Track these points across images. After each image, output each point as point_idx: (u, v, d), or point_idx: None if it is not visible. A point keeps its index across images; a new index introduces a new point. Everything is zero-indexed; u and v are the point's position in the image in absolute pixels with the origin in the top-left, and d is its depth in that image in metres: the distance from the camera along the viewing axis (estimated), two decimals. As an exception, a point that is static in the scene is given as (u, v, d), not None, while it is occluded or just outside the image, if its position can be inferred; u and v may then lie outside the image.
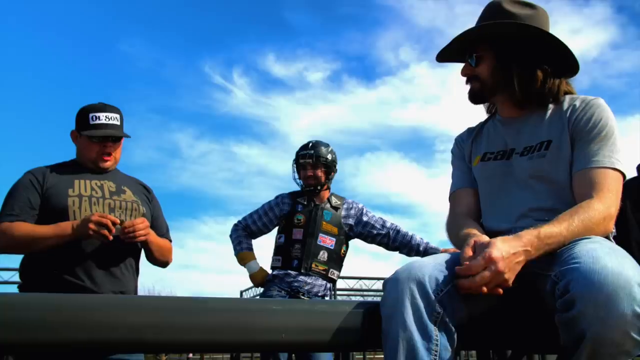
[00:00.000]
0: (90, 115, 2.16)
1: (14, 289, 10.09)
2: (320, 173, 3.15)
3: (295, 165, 3.25)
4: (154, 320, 1.05)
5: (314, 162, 3.14)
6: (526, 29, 1.45)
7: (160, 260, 2.30)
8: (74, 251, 1.97)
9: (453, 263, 1.24)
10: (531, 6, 1.51)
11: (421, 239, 3.19)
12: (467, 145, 1.68)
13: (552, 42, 1.45)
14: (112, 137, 2.18)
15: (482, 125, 1.68)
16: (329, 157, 3.20)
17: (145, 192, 2.36)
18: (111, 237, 1.93)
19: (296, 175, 3.25)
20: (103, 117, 2.17)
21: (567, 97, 1.49)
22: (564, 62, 1.49)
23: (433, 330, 1.13)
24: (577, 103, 1.46)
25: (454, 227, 1.54)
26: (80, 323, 1.01)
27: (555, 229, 1.22)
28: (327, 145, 3.24)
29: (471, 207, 1.59)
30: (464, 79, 1.58)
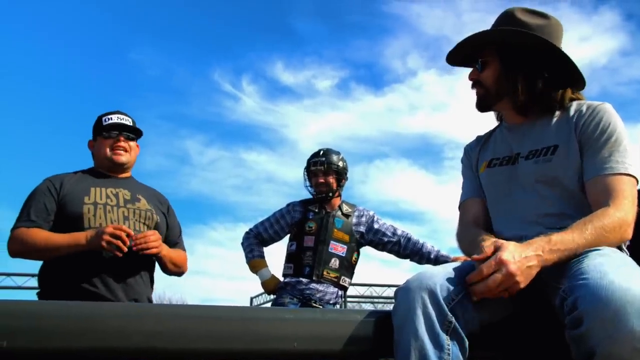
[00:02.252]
0: (104, 118, 2.26)
1: (28, 294, 10.18)
2: (331, 180, 3.16)
3: (306, 173, 3.26)
4: (167, 328, 1.06)
5: (325, 169, 3.15)
6: (531, 38, 1.45)
7: (174, 271, 2.32)
8: (91, 260, 1.99)
9: (464, 272, 1.24)
10: (544, 16, 1.51)
11: (432, 246, 3.18)
12: (474, 153, 1.68)
13: (556, 53, 1.46)
14: (125, 130, 2.25)
15: (490, 133, 1.69)
16: (340, 164, 3.20)
17: (161, 201, 2.38)
18: (125, 249, 1.95)
19: (307, 183, 3.25)
20: (115, 118, 2.26)
21: (574, 103, 1.49)
22: (570, 73, 1.49)
23: (445, 339, 1.12)
24: (584, 109, 1.45)
25: (464, 237, 1.55)
26: (94, 331, 1.03)
27: (567, 236, 1.21)
28: (338, 153, 3.25)
29: (480, 217, 1.59)
30: (470, 83, 1.59)
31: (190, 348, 1.07)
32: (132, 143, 2.30)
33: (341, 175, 3.21)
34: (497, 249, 1.18)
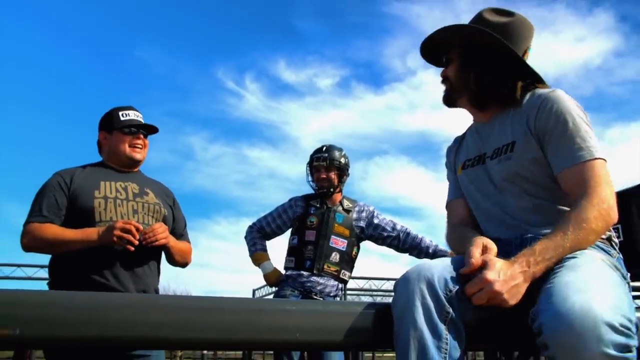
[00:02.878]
0: (121, 113, 2.25)
1: (38, 284, 10.21)
2: (333, 176, 3.16)
3: (309, 168, 3.26)
4: (174, 318, 1.06)
5: (327, 165, 3.15)
6: (478, 33, 1.44)
7: (180, 262, 2.33)
8: (101, 252, 2.00)
9: (461, 265, 1.24)
10: (509, 15, 1.50)
11: (430, 241, 3.19)
12: (452, 156, 1.69)
13: (503, 49, 1.43)
14: (142, 128, 2.26)
15: (464, 134, 1.68)
16: (342, 160, 3.21)
17: (167, 194, 2.38)
18: (136, 243, 1.96)
19: (310, 178, 3.26)
20: (133, 114, 2.26)
21: (528, 94, 1.46)
22: (527, 71, 1.47)
23: (443, 329, 1.13)
24: (535, 99, 1.41)
25: (452, 237, 1.56)
26: (103, 320, 1.03)
27: (550, 243, 1.19)
28: (340, 150, 3.25)
29: (465, 217, 1.58)
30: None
31: (197, 338, 1.07)
32: (147, 140, 2.31)
33: (343, 171, 3.21)
34: (484, 265, 1.17)
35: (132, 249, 1.97)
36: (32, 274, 10.64)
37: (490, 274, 1.13)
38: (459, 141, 1.68)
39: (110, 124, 2.25)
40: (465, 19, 1.56)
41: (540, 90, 1.44)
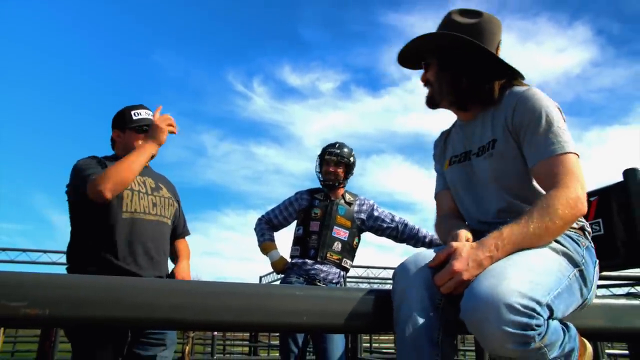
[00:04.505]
0: (133, 112, 2.24)
1: (62, 269, 10.23)
2: (340, 171, 3.18)
3: (319, 160, 3.27)
4: (192, 301, 1.07)
5: (337, 160, 3.17)
6: (450, 37, 1.42)
7: None
8: (121, 238, 2.00)
9: None
10: (476, 15, 1.47)
11: (427, 231, 3.19)
12: (439, 150, 1.66)
13: (481, 49, 1.41)
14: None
15: (450, 129, 1.66)
16: (351, 159, 3.22)
17: (174, 190, 2.38)
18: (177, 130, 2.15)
19: (318, 169, 3.27)
20: (144, 113, 2.25)
21: (507, 92, 1.43)
22: (502, 67, 1.44)
23: (436, 314, 1.14)
24: (512, 97, 1.39)
25: (439, 227, 1.54)
26: (126, 302, 1.03)
27: (516, 227, 1.18)
28: (351, 149, 3.26)
29: (452, 207, 1.57)
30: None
31: (212, 319, 1.08)
32: None
33: (350, 168, 3.23)
34: (449, 255, 1.17)
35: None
36: (57, 259, 10.66)
37: (457, 264, 1.13)
38: (446, 135, 1.66)
39: (123, 122, 2.23)
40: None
41: (517, 89, 1.41)
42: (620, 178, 1.69)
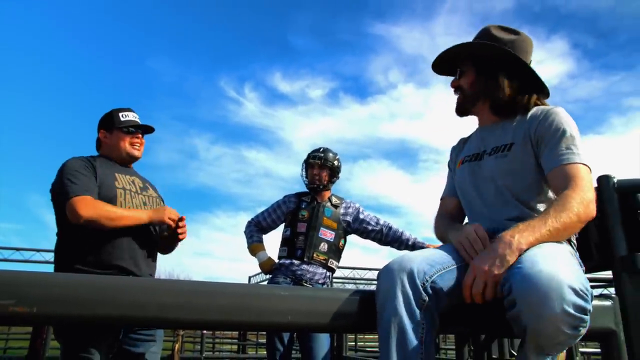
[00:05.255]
0: (120, 114, 2.22)
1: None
2: (324, 175, 3.17)
3: (305, 164, 3.27)
4: (180, 300, 1.05)
5: (321, 164, 3.17)
6: (497, 50, 1.47)
7: (170, 250, 2.33)
8: (121, 239, 1.97)
9: (439, 257, 1.26)
10: (515, 32, 1.53)
11: (410, 234, 3.20)
12: (455, 154, 1.71)
13: (520, 64, 1.47)
14: (140, 128, 2.23)
15: (469, 136, 1.70)
16: (335, 163, 3.22)
17: (157, 191, 2.35)
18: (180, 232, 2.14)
19: (304, 173, 3.26)
20: (131, 115, 2.24)
21: (534, 108, 1.49)
22: (535, 83, 1.50)
23: (420, 314, 1.13)
24: (539, 112, 1.45)
25: (439, 226, 1.58)
26: (113, 301, 1.01)
27: (533, 221, 1.20)
28: (335, 154, 3.27)
29: (454, 213, 1.62)
30: (452, 91, 1.61)
31: (199, 318, 1.06)
32: (144, 139, 2.28)
33: (334, 172, 3.22)
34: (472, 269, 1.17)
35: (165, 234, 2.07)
36: (50, 258, 10.49)
37: (478, 262, 1.16)
38: (464, 142, 1.70)
39: (110, 123, 2.20)
40: (441, 41, 1.61)
41: (544, 106, 1.48)
42: (594, 185, 1.71)
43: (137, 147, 2.22)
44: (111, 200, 1.99)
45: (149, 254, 2.08)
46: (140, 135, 2.23)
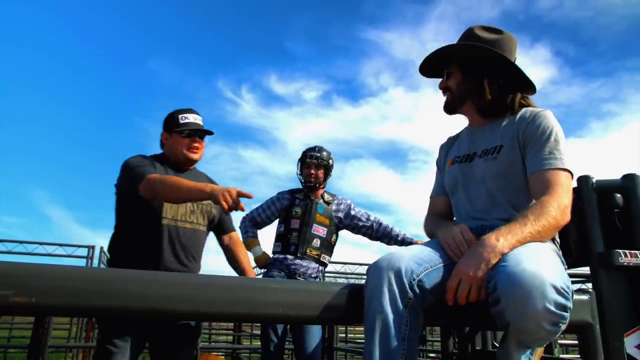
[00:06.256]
0: (180, 116, 2.15)
1: (57, 260, 9.97)
2: (320, 174, 3.17)
3: (300, 163, 3.25)
4: (175, 293, 1.04)
5: (317, 163, 3.16)
6: (482, 50, 1.46)
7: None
8: (158, 242, 1.96)
9: (427, 255, 1.25)
10: (498, 32, 1.52)
11: (399, 230, 3.20)
12: (444, 152, 1.69)
13: (504, 62, 1.46)
14: (200, 132, 2.15)
15: (458, 134, 1.69)
16: (330, 162, 3.22)
17: None
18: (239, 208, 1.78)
19: (299, 171, 3.25)
20: (191, 117, 2.16)
21: (522, 109, 1.48)
22: (520, 80, 1.49)
23: (405, 312, 1.13)
24: (527, 114, 1.44)
25: (428, 224, 1.57)
26: (110, 292, 1.00)
27: (513, 227, 1.19)
28: (329, 153, 3.26)
29: (443, 212, 1.61)
30: (441, 92, 1.60)
31: (196, 310, 1.06)
32: (203, 142, 2.20)
33: (328, 170, 3.22)
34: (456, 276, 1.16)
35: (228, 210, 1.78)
36: (52, 251, 10.41)
37: (463, 266, 1.15)
38: (452, 140, 1.68)
39: (170, 125, 2.15)
40: (430, 47, 1.60)
41: (532, 108, 1.47)
42: (575, 184, 1.72)
43: (194, 151, 2.14)
44: (156, 207, 1.96)
45: (185, 259, 2.03)
46: (198, 139, 2.15)
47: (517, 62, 1.52)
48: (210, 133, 2.20)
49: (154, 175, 1.89)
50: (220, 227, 2.30)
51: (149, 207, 1.96)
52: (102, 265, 9.42)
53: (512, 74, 1.48)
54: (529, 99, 1.54)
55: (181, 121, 2.14)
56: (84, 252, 9.47)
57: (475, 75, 1.49)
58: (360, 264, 12.63)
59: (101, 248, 9.60)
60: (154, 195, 1.88)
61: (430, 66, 1.59)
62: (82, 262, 9.31)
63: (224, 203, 1.73)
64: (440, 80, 1.60)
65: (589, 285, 1.53)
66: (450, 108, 1.58)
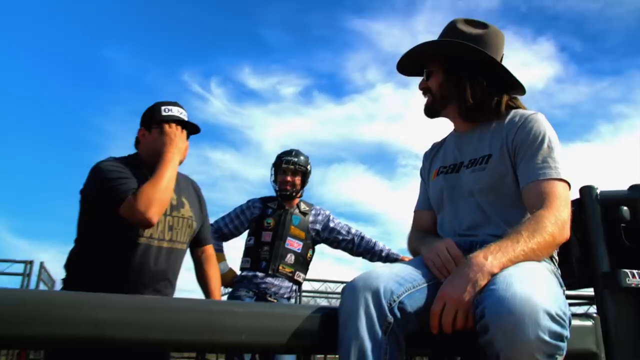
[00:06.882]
0: (163, 107, 2.03)
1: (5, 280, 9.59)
2: (297, 181, 3.13)
3: (274, 168, 3.21)
4: (118, 317, 1.00)
5: (295, 169, 3.12)
6: (462, 47, 1.44)
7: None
8: (132, 263, 1.87)
9: (409, 273, 1.23)
10: (483, 26, 1.51)
11: (384, 245, 3.18)
12: (428, 162, 1.68)
13: (488, 60, 1.45)
14: (184, 127, 2.04)
15: (442, 141, 1.68)
16: (308, 167, 3.19)
17: (197, 194, 2.22)
18: None
19: (273, 178, 3.20)
20: (175, 110, 2.05)
21: (511, 112, 1.47)
22: (507, 80, 1.49)
23: (384, 339, 1.11)
24: (517, 118, 1.43)
25: (412, 240, 1.56)
26: (43, 318, 0.96)
27: (504, 242, 1.18)
28: (307, 157, 3.23)
29: (429, 227, 1.59)
30: (421, 93, 1.58)
31: (141, 337, 1.02)
32: (187, 141, 2.07)
33: (306, 177, 3.19)
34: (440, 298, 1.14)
35: None
36: (5, 269, 9.95)
37: (448, 288, 1.13)
38: (437, 148, 1.67)
39: (150, 120, 2.01)
40: (423, 38, 1.59)
41: (522, 111, 1.46)
42: (577, 196, 1.73)
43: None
44: (132, 227, 1.83)
45: (161, 285, 1.96)
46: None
47: (506, 60, 1.52)
48: (197, 130, 2.10)
49: (141, 195, 1.75)
50: (195, 239, 2.18)
51: (123, 222, 1.80)
52: (41, 285, 9.08)
53: (498, 74, 1.47)
54: (518, 99, 1.54)
55: (164, 113, 2.02)
56: (19, 268, 8.80)
57: (458, 74, 1.48)
58: (343, 282, 12.60)
59: (41, 264, 9.11)
60: (153, 215, 1.76)
61: (411, 63, 1.57)
62: (17, 281, 8.85)
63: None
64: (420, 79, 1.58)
65: (594, 308, 1.54)
66: (431, 112, 1.57)
